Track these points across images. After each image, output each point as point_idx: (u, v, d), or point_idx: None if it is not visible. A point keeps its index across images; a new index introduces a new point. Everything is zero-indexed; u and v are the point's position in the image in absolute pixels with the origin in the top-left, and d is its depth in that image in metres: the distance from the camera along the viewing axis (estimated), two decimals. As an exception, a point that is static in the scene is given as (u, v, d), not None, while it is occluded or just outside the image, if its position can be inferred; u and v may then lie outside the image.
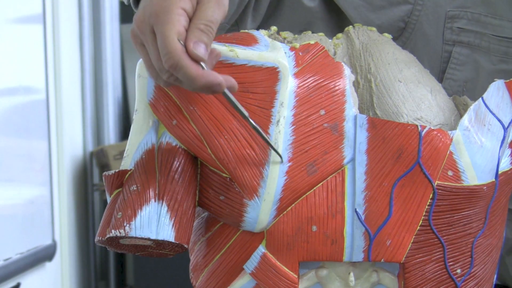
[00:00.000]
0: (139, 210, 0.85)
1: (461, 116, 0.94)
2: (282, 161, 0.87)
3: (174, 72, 0.82)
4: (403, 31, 1.06)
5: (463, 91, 1.06)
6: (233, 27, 1.12)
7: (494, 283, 0.96)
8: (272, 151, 0.87)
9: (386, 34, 0.99)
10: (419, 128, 0.88)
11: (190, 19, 0.83)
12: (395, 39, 1.01)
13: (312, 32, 1.05)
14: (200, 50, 0.81)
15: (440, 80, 1.05)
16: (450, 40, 1.07)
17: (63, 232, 3.32)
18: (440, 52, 1.07)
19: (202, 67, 0.81)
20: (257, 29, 1.11)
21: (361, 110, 0.93)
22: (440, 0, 1.07)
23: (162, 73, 0.84)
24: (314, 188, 0.88)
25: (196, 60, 0.81)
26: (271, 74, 0.88)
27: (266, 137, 0.87)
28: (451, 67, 1.06)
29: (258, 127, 0.86)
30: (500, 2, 1.06)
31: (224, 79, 0.82)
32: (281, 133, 0.87)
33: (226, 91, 0.83)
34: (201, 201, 0.90)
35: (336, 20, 1.10)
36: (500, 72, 1.06)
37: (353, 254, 0.88)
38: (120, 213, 0.85)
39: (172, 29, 0.81)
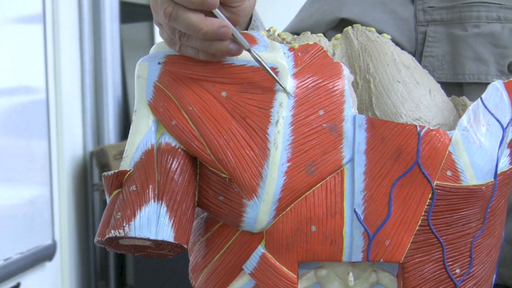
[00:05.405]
0: (138, 211, 0.85)
1: (460, 116, 0.94)
2: (291, 95, 0.87)
3: (175, 24, 0.82)
4: None
5: (442, 65, 1.07)
6: None
7: (493, 283, 0.96)
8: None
9: (385, 35, 0.99)
10: (418, 128, 0.88)
11: None
12: None
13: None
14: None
15: (419, 61, 1.06)
16: (424, 21, 1.08)
17: (63, 232, 3.33)
18: (415, 35, 1.08)
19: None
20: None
21: (360, 110, 0.93)
22: None
23: (174, 36, 0.84)
24: (313, 188, 0.88)
25: (197, 8, 0.81)
26: (270, 74, 0.88)
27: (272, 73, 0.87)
28: (428, 45, 1.08)
29: (264, 63, 0.87)
30: None
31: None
32: (280, 133, 0.87)
33: (233, 28, 0.83)
34: (200, 201, 0.90)
35: None
36: (474, 36, 1.07)
37: (352, 254, 0.88)
38: (119, 213, 0.85)
39: None
